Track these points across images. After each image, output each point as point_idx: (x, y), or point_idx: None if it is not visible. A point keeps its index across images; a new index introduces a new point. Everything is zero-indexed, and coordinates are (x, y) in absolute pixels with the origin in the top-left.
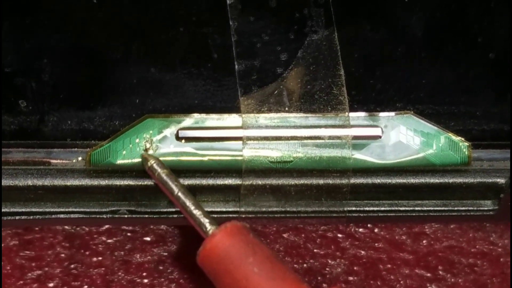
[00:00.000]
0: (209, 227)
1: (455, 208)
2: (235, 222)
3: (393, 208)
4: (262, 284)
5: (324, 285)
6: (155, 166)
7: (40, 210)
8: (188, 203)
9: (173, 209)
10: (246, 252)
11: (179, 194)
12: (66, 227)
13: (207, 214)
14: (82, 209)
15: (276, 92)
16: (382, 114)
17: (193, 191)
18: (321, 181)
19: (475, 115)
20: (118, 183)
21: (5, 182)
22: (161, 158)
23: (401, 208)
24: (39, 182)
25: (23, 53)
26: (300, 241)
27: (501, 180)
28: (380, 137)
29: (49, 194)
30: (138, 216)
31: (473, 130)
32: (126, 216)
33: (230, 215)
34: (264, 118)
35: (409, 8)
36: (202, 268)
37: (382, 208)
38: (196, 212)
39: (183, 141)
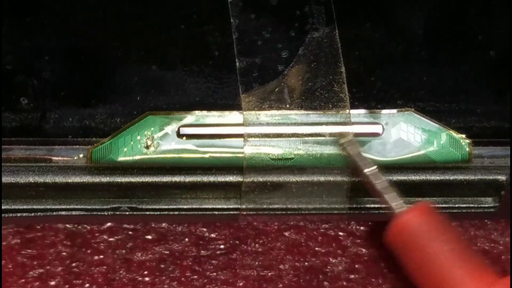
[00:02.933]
0: (400, 204)
1: (456, 205)
2: (428, 202)
3: None
4: (454, 262)
5: (326, 283)
6: (349, 143)
7: (41, 207)
8: (382, 180)
9: (174, 206)
10: (439, 230)
11: (371, 171)
12: (68, 225)
13: (399, 193)
14: (83, 206)
15: (277, 89)
16: (383, 111)
17: (194, 188)
18: (322, 178)
19: (476, 113)
20: (119, 180)
21: (7, 179)
22: (162, 156)
23: None
24: (40, 179)
25: (25, 51)
26: (301, 239)
27: (502, 177)
28: (381, 134)
29: (50, 191)
30: (139, 213)
31: (474, 127)
32: (127, 213)
33: (231, 212)
34: (265, 115)
35: (410, 6)
36: (390, 242)
37: (383, 205)
38: (389, 189)
39: (184, 138)
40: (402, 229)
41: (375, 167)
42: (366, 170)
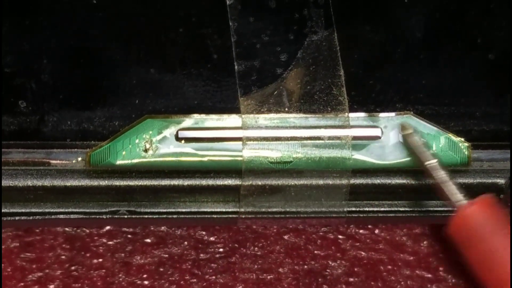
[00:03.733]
0: (462, 197)
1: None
2: (491, 195)
3: (393, 209)
4: None
5: (325, 286)
6: (412, 134)
7: (40, 210)
8: (444, 173)
9: (173, 210)
10: (503, 223)
11: (434, 164)
12: (67, 229)
13: (461, 186)
14: (82, 210)
15: (275, 92)
16: (381, 114)
17: (193, 192)
18: (320, 182)
19: (475, 116)
20: (118, 184)
21: (5, 182)
22: (160, 159)
23: (401, 209)
24: (39, 183)
25: (23, 54)
26: (301, 242)
27: (501, 181)
28: (379, 137)
29: (48, 195)
30: (138, 216)
31: (473, 131)
32: (126, 216)
33: (230, 216)
34: (263, 118)
35: (408, 9)
36: (453, 235)
37: (382, 209)
38: (451, 182)
39: (182, 141)
40: (465, 223)
41: (435, 160)
42: (427, 163)
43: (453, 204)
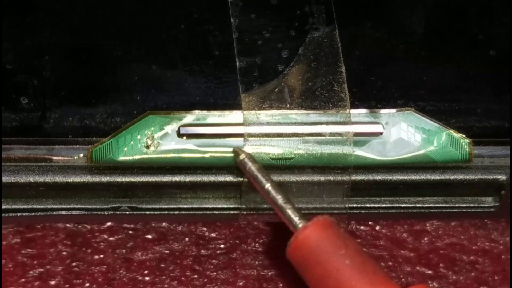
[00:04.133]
0: (299, 220)
1: (456, 205)
2: (326, 216)
3: (394, 205)
4: (354, 276)
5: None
6: (246, 160)
7: (42, 207)
8: (278, 197)
9: (175, 206)
10: (338, 245)
11: (269, 188)
12: (68, 225)
13: (297, 208)
14: (83, 206)
15: (277, 89)
16: (383, 111)
17: (195, 188)
18: (322, 178)
19: (476, 112)
20: (120, 180)
21: (7, 179)
22: (162, 155)
23: (402, 205)
24: (40, 179)
25: (25, 50)
26: None
27: (502, 177)
28: (381, 134)
29: (50, 191)
30: (139, 213)
31: (474, 127)
32: (127, 213)
33: (231, 212)
34: (265, 115)
35: (410, 5)
36: (291, 259)
37: (383, 205)
38: (286, 206)
39: (184, 137)
40: (301, 245)
41: (273, 182)
42: (267, 186)
43: (291, 227)
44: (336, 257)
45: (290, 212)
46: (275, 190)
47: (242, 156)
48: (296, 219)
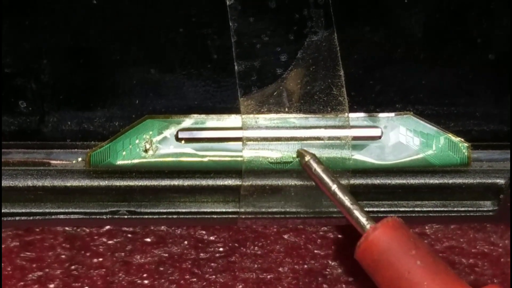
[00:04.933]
0: (367, 222)
1: (455, 209)
2: (395, 217)
3: (393, 209)
4: (426, 277)
5: (325, 286)
6: (311, 162)
7: (40, 210)
8: (345, 198)
9: (173, 210)
10: (408, 245)
11: (336, 189)
12: (67, 228)
13: (364, 210)
14: (82, 210)
15: (275, 93)
16: (381, 115)
17: (193, 192)
18: None
19: (474, 116)
20: (118, 184)
21: (5, 183)
22: (160, 159)
23: (401, 209)
24: (39, 183)
25: (23, 54)
26: (301, 242)
27: (501, 181)
28: (379, 137)
29: (49, 195)
30: (138, 217)
31: (472, 131)
32: (126, 217)
33: (230, 216)
34: (263, 119)
35: (408, 9)
36: (360, 260)
37: (382, 209)
38: (354, 207)
39: (183, 141)
40: (371, 247)
41: (340, 184)
42: (333, 187)
43: (359, 228)
44: (407, 258)
45: (357, 213)
46: (341, 192)
47: (307, 158)
48: (364, 220)
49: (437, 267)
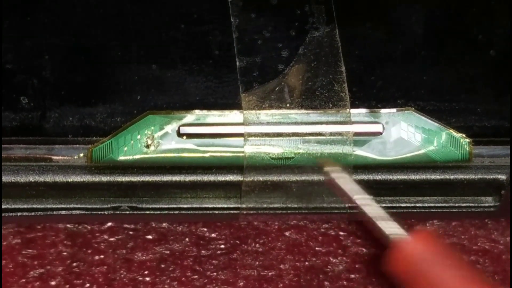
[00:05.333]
0: (399, 231)
1: (456, 205)
2: (427, 229)
3: (394, 205)
4: (461, 287)
5: (326, 282)
6: (341, 169)
7: (42, 206)
8: (374, 208)
9: (175, 206)
10: (441, 256)
11: (368, 198)
12: (68, 225)
13: (392, 219)
14: (83, 206)
15: (277, 88)
16: (383, 110)
17: (195, 188)
18: (322, 178)
19: (476, 112)
20: (120, 180)
21: (7, 178)
22: (162, 155)
23: (402, 205)
24: (40, 179)
25: (25, 50)
26: (302, 239)
27: (502, 177)
28: (381, 133)
29: (50, 191)
30: (139, 212)
31: (474, 127)
32: (127, 212)
33: (232, 212)
34: (265, 114)
35: (410, 5)
36: (391, 271)
37: (383, 205)
38: (382, 217)
39: (184, 137)
40: (403, 257)
41: (367, 195)
42: (357, 198)
43: (390, 239)
44: (441, 268)
45: (386, 223)
46: (370, 202)
47: (333, 168)
48: (396, 229)
49: (472, 277)
